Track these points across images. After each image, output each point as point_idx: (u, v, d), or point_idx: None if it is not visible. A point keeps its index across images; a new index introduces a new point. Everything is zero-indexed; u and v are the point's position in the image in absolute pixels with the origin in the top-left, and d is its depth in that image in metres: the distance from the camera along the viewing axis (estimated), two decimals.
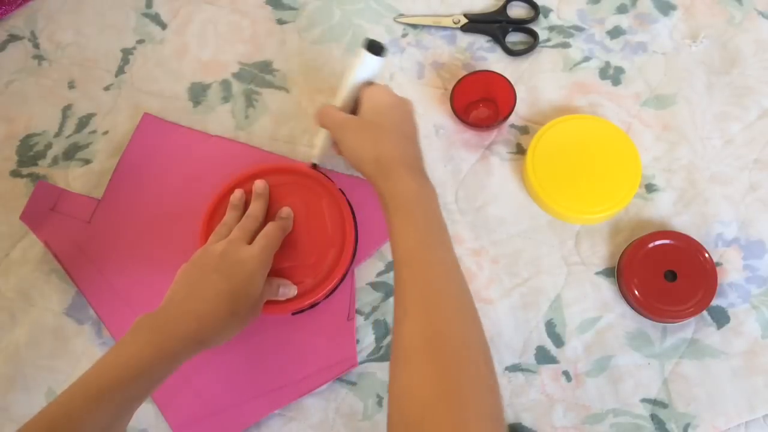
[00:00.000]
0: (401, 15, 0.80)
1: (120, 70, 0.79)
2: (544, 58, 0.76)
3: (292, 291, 0.64)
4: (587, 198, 0.67)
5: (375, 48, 0.61)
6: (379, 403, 0.63)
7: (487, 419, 0.44)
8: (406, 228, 0.54)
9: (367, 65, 0.62)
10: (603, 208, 0.67)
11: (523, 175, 0.70)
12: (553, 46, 0.77)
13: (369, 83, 0.63)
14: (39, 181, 0.71)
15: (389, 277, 0.67)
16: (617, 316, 0.65)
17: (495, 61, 0.77)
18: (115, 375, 0.50)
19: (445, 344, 0.47)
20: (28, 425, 0.47)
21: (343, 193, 0.68)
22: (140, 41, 0.80)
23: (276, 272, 0.64)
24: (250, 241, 0.62)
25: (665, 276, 0.64)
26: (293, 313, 0.65)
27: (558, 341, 0.64)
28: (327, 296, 0.66)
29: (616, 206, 0.67)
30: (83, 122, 0.76)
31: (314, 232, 0.67)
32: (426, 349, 0.47)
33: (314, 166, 0.69)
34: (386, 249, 0.68)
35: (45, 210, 0.70)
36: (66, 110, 0.77)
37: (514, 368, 0.64)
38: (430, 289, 0.50)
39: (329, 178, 0.69)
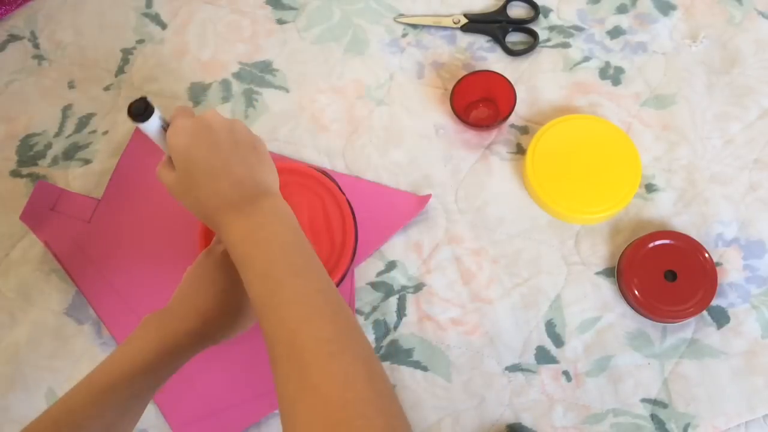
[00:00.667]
0: (401, 15, 0.80)
1: (120, 70, 0.79)
2: (544, 58, 0.76)
3: None
4: (587, 198, 0.67)
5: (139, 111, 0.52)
6: None
7: None
8: (250, 281, 0.46)
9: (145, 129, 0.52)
10: (603, 208, 0.67)
11: (523, 175, 0.70)
12: (553, 46, 0.77)
13: (167, 125, 0.53)
14: (39, 181, 0.71)
15: (389, 277, 0.67)
16: (617, 316, 0.65)
17: (495, 61, 0.77)
18: (119, 371, 0.49)
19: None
20: (33, 424, 0.47)
21: (342, 192, 0.68)
22: (140, 41, 0.80)
23: None
24: None
25: (665, 276, 0.64)
26: None
27: (558, 341, 0.64)
28: None
29: (616, 206, 0.67)
30: (83, 122, 0.76)
31: (314, 231, 0.67)
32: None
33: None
34: (386, 247, 0.68)
35: (45, 210, 0.70)
36: (66, 110, 0.77)
37: (514, 368, 0.64)
38: (308, 374, 0.41)
39: (330, 178, 0.69)
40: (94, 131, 0.76)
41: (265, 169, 0.53)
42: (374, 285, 0.67)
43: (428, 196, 0.69)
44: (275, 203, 0.50)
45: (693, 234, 0.65)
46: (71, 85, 0.78)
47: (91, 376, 0.50)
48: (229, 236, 0.49)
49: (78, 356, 0.66)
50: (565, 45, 0.77)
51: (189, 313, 0.54)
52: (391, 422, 0.40)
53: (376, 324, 0.66)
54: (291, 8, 0.81)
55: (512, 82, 0.71)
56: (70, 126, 0.76)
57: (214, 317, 0.55)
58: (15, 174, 0.74)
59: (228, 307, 0.56)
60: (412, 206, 0.69)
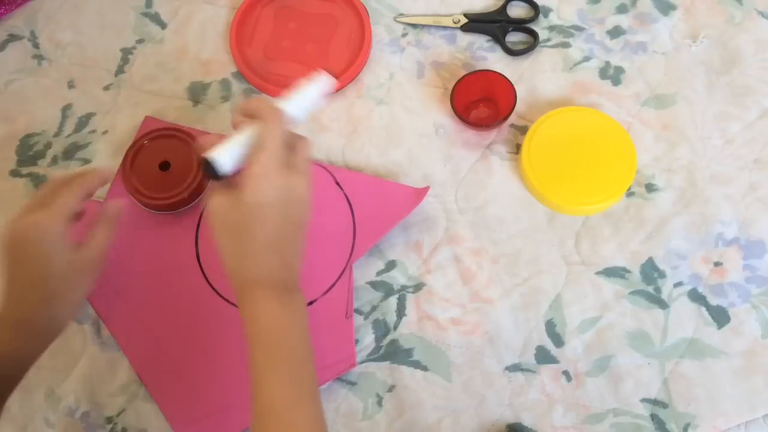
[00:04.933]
0: (401, 14, 0.80)
1: (120, 70, 0.79)
2: (544, 58, 0.76)
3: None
4: (584, 188, 0.68)
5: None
6: (379, 403, 0.63)
7: None
8: (269, 372, 0.49)
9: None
10: (600, 198, 0.67)
11: (520, 168, 0.70)
12: (553, 46, 0.77)
13: (262, 149, 0.48)
14: (41, 186, 0.71)
15: (389, 276, 0.67)
16: (617, 315, 0.65)
17: (495, 60, 0.77)
18: None
19: None
20: None
21: (340, 186, 0.68)
22: (140, 41, 0.80)
23: None
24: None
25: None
26: None
27: (558, 341, 0.64)
28: (325, 293, 0.66)
29: (613, 196, 0.67)
30: (83, 122, 0.76)
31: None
32: None
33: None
34: (386, 247, 0.68)
35: None
36: (66, 110, 0.77)
37: (514, 368, 0.64)
38: None
39: (327, 171, 0.69)
40: (93, 131, 0.76)
41: (301, 262, 0.53)
42: (374, 284, 0.67)
43: (426, 189, 0.68)
44: (302, 300, 0.52)
45: (693, 234, 0.65)
46: (71, 85, 0.78)
47: None
48: (258, 314, 0.49)
49: (78, 356, 0.66)
50: (565, 45, 0.77)
51: None
52: None
53: (376, 324, 0.66)
54: None
55: (512, 82, 0.71)
56: (69, 126, 0.76)
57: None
58: (15, 174, 0.74)
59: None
60: (410, 199, 0.68)
